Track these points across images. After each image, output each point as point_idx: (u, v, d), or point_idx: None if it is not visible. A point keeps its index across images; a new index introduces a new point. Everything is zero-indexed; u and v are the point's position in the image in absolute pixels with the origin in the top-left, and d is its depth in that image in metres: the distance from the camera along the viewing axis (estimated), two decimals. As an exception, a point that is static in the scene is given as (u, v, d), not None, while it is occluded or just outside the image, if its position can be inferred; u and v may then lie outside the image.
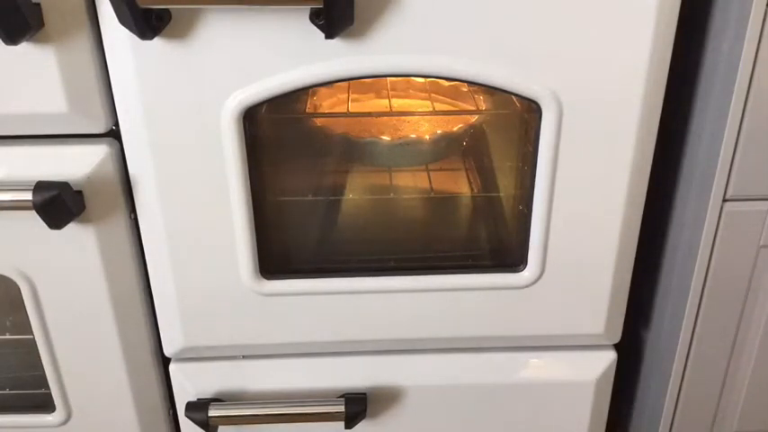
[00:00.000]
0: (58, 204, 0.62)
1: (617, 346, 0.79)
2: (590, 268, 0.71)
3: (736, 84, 0.60)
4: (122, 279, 0.71)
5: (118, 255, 0.69)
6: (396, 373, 0.78)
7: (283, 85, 0.61)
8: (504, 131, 0.82)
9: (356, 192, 0.87)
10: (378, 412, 0.79)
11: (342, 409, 0.74)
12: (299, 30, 0.58)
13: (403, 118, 0.86)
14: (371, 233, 0.86)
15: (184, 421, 0.77)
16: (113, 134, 0.65)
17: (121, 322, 0.73)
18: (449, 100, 0.88)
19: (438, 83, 0.88)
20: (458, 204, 0.89)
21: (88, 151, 0.65)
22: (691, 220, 0.69)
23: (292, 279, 0.71)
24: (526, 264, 0.71)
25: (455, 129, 0.83)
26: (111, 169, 0.65)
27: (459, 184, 0.90)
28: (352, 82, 0.84)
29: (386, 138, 0.82)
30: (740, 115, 0.61)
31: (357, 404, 0.75)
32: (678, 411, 0.78)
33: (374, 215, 0.87)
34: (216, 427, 0.76)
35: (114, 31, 0.58)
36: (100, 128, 0.64)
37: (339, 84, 0.73)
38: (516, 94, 0.63)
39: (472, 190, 0.88)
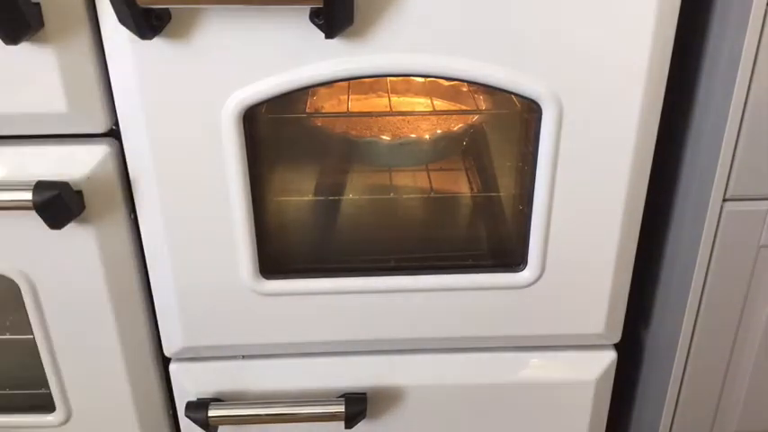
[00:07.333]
0: (58, 204, 0.62)
1: (617, 346, 0.79)
2: (590, 268, 0.71)
3: (736, 84, 0.60)
4: (122, 279, 0.71)
5: (118, 255, 0.69)
6: (396, 373, 0.78)
7: (283, 85, 0.61)
8: (504, 131, 0.82)
9: (356, 192, 0.87)
10: (378, 412, 0.79)
11: (342, 409, 0.74)
12: (299, 30, 0.58)
13: (403, 118, 0.86)
14: (371, 233, 0.86)
15: (184, 421, 0.77)
16: (113, 134, 0.65)
17: (121, 322, 0.73)
18: (449, 100, 0.88)
19: (438, 83, 0.88)
20: (458, 204, 0.89)
21: (88, 151, 0.65)
22: (691, 220, 0.69)
23: (292, 279, 0.71)
24: (526, 264, 0.71)
25: (455, 129, 0.83)
26: (111, 169, 0.65)
27: (459, 184, 0.90)
28: (352, 82, 0.84)
29: (386, 138, 0.82)
30: (740, 115, 0.61)
31: (357, 404, 0.75)
32: (678, 411, 0.78)
33: (374, 215, 0.87)
34: (216, 427, 0.76)
35: (114, 31, 0.58)
36: (100, 128, 0.64)
37: (339, 84, 0.74)
38: (516, 94, 0.63)
39: (472, 190, 0.88)
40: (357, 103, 0.88)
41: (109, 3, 0.54)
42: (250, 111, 0.62)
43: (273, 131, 0.76)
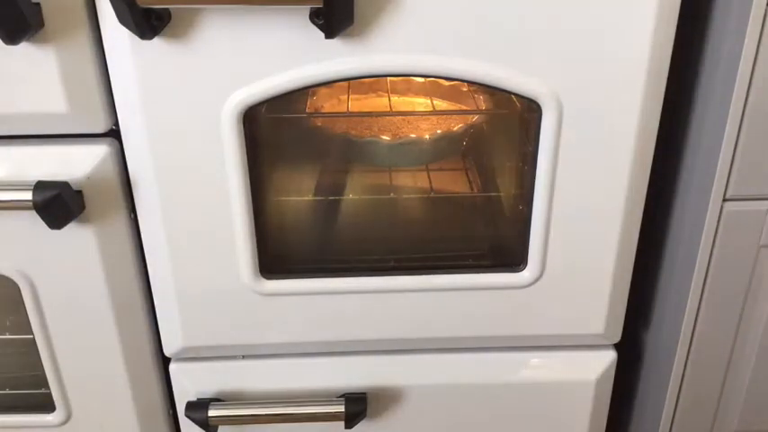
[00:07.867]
0: (58, 204, 0.62)
1: (617, 346, 0.79)
2: (590, 268, 0.71)
3: (736, 84, 0.60)
4: (122, 279, 0.71)
5: (118, 255, 0.69)
6: (396, 373, 0.78)
7: (283, 85, 0.61)
8: (504, 131, 0.82)
9: (356, 192, 0.87)
10: (378, 412, 0.79)
11: (342, 409, 0.74)
12: (299, 30, 0.58)
13: (403, 118, 0.87)
14: (371, 233, 0.86)
15: (184, 421, 0.77)
16: (113, 134, 0.65)
17: (121, 322, 0.73)
18: (449, 100, 0.88)
19: (438, 83, 0.88)
20: (458, 204, 0.89)
21: (88, 151, 0.65)
22: (691, 220, 0.69)
23: (292, 279, 0.71)
24: (526, 264, 0.71)
25: (455, 129, 0.83)
26: (111, 169, 0.65)
27: (459, 184, 0.90)
28: (352, 82, 0.84)
29: (386, 138, 0.82)
30: (740, 115, 0.61)
31: (357, 404, 0.75)
32: (678, 411, 0.78)
33: (374, 215, 0.87)
34: (216, 427, 0.76)
35: (114, 31, 0.58)
36: (100, 128, 0.64)
37: (339, 84, 0.74)
38: (516, 94, 0.63)
39: (472, 190, 0.88)
40: (357, 103, 0.88)
41: (109, 3, 0.54)
42: (250, 111, 0.62)
43: (273, 131, 0.76)
